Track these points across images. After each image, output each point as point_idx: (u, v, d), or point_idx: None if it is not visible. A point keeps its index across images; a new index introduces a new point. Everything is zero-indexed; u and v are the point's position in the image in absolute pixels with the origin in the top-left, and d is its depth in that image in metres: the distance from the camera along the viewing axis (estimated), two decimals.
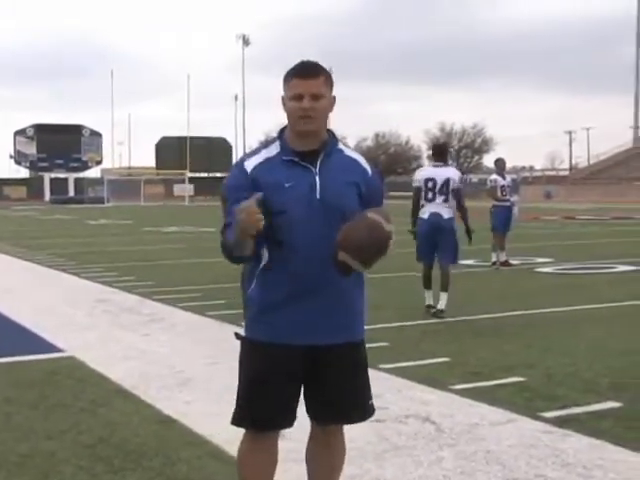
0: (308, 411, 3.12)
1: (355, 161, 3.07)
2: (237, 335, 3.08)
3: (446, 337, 7.74)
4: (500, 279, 12.44)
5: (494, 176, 15.34)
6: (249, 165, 2.99)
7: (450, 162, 10.50)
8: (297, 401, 3.07)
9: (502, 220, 14.70)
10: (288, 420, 3.07)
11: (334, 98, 3.03)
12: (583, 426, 4.79)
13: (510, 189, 14.80)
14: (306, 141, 2.97)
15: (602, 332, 7.92)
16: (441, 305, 8.90)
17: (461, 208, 9.17)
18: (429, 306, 9.12)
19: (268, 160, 2.99)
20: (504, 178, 14.87)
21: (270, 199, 2.88)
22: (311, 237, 2.91)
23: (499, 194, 14.74)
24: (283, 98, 2.99)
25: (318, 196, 2.94)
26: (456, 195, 9.08)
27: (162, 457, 4.35)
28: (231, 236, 2.83)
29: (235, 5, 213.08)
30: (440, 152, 9.71)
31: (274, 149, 3.02)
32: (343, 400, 3.07)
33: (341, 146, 3.09)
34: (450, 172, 9.33)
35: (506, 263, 14.22)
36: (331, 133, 3.08)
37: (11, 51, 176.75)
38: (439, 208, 9.09)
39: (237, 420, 3.07)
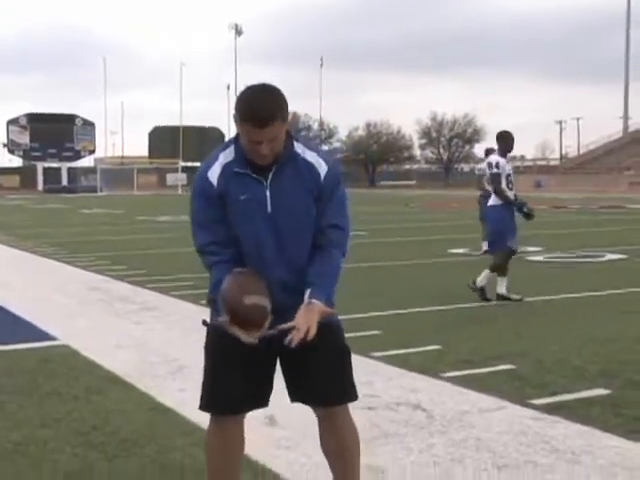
0: (289, 395, 3.13)
1: (310, 165, 2.98)
2: (204, 322, 3.09)
3: (437, 325, 7.76)
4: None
5: (482, 165, 15.35)
6: (212, 176, 2.97)
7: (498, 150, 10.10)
8: (264, 384, 3.08)
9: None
10: (250, 403, 3.09)
11: (293, 115, 2.94)
12: (572, 413, 4.81)
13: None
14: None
15: (591, 320, 7.95)
16: (478, 279, 9.00)
17: (495, 193, 9.12)
18: (497, 294, 9.09)
19: (225, 167, 2.96)
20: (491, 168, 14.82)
21: (229, 210, 2.95)
22: (270, 249, 2.95)
23: (485, 184, 14.76)
24: (235, 119, 2.90)
25: (269, 210, 2.94)
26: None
27: (155, 445, 4.36)
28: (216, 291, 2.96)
29: None
30: (497, 139, 9.44)
31: (229, 155, 2.98)
32: (316, 381, 3.05)
33: (298, 149, 2.99)
34: (487, 161, 9.35)
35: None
36: (288, 135, 2.97)
37: (3, 40, 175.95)
38: (490, 195, 9.32)
39: (203, 406, 3.12)
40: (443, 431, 4.53)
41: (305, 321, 2.86)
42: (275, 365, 3.10)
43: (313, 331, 2.86)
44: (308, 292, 2.93)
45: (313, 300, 2.91)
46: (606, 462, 4.03)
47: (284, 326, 2.86)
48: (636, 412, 4.84)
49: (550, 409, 4.90)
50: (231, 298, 2.85)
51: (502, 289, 9.09)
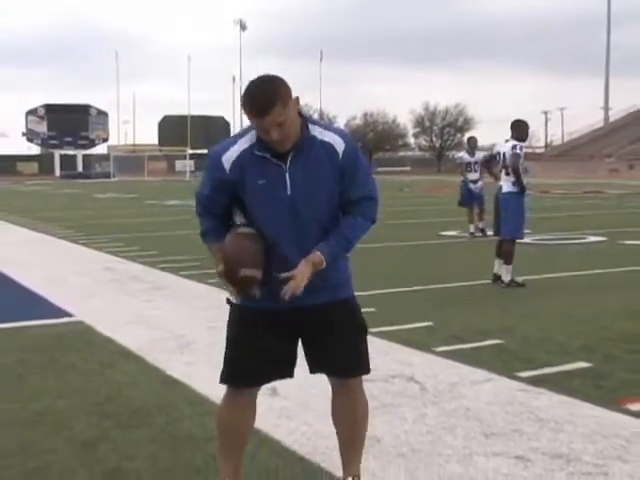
0: (309, 366, 3.12)
1: (328, 145, 2.92)
2: (228, 300, 3.10)
3: (429, 303, 7.76)
4: (480, 249, 12.45)
5: (461, 154, 15.43)
6: (226, 161, 2.91)
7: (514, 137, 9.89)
8: (285, 359, 3.06)
9: (468, 194, 14.73)
10: (268, 376, 3.09)
11: (296, 99, 2.86)
12: (555, 385, 4.82)
13: (479, 165, 14.68)
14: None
15: (574, 298, 7.95)
16: (503, 276, 8.79)
17: (514, 173, 8.84)
18: (494, 275, 8.98)
19: (243, 153, 2.90)
20: (473, 156, 14.83)
21: (245, 195, 2.91)
22: (285, 229, 2.90)
23: (465, 170, 14.82)
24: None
25: (289, 192, 2.89)
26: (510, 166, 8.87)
27: (165, 415, 4.37)
28: (205, 240, 3.11)
29: None
30: (511, 127, 9.14)
31: (249, 139, 2.91)
32: (335, 354, 3.05)
33: (315, 131, 2.93)
34: (504, 146, 9.09)
35: (474, 234, 14.22)
36: (304, 119, 2.92)
37: (22, 35, 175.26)
38: (503, 180, 9.00)
39: (223, 379, 3.09)
40: (435, 402, 4.55)
41: (300, 272, 2.85)
42: (297, 340, 3.08)
43: (301, 285, 2.84)
44: (319, 245, 2.92)
45: (316, 252, 2.89)
46: (586, 430, 4.04)
47: (283, 275, 2.84)
48: (614, 384, 4.86)
49: (535, 381, 4.91)
50: (228, 266, 2.86)
51: (500, 270, 8.93)
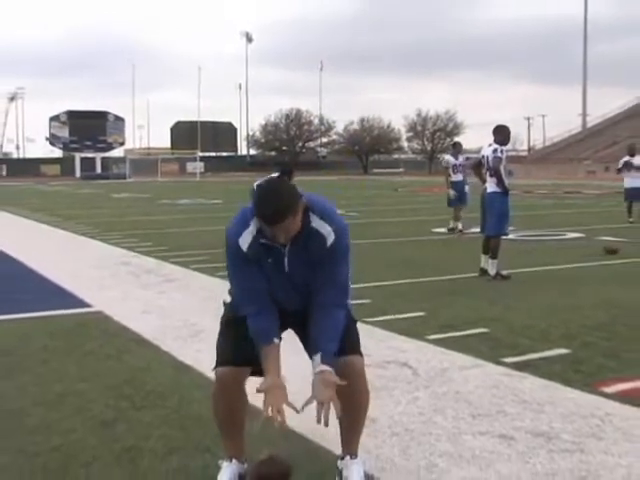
0: (306, 351, 3.13)
1: (320, 236, 2.96)
2: (224, 302, 3.25)
3: (421, 295, 7.75)
4: (467, 245, 12.43)
5: (447, 157, 15.49)
6: (243, 244, 2.97)
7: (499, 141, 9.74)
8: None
9: (453, 194, 14.83)
10: (249, 364, 3.07)
11: (301, 199, 2.87)
12: (538, 370, 4.83)
13: (463, 167, 14.81)
14: None
15: (555, 290, 7.95)
16: (489, 270, 8.79)
17: (496, 175, 8.83)
18: (481, 269, 8.95)
19: (254, 238, 2.97)
20: (457, 159, 14.97)
21: (258, 268, 3.02)
22: (282, 296, 3.07)
23: (451, 172, 14.92)
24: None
25: (287, 270, 3.01)
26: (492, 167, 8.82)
27: (177, 397, 4.37)
28: (256, 341, 3.02)
29: (241, 5, 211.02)
30: (493, 132, 9.11)
31: (255, 226, 2.96)
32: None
33: (313, 222, 2.95)
34: (487, 150, 9.02)
35: (461, 231, 14.27)
36: (305, 207, 2.92)
37: (47, 48, 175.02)
38: (488, 182, 8.96)
39: (214, 367, 3.13)
40: (427, 385, 4.55)
41: (328, 397, 2.89)
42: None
43: (337, 404, 2.90)
44: (319, 357, 2.96)
45: (325, 368, 2.95)
46: (566, 411, 4.05)
47: (306, 404, 2.93)
48: (591, 369, 4.86)
49: (519, 366, 4.91)
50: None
51: (486, 265, 8.95)
